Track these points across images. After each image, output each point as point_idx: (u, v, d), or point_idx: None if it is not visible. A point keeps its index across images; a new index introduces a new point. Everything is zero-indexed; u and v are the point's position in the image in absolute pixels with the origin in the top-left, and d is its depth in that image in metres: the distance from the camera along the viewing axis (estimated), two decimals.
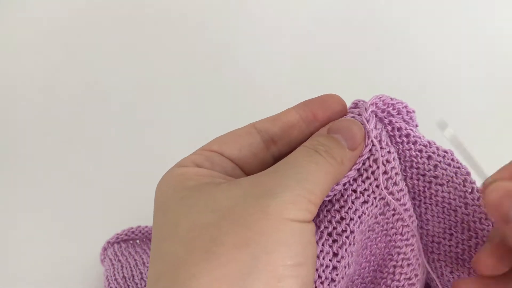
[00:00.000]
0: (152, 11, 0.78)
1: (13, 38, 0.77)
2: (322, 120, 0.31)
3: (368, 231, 0.30)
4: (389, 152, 0.30)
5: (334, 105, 0.31)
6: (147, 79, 0.71)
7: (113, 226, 0.54)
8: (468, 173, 0.32)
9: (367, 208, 0.29)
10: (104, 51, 0.75)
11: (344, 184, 0.29)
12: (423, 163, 0.31)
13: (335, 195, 0.29)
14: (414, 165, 0.32)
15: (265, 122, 0.31)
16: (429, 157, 0.31)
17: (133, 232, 0.53)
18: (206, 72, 0.71)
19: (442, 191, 0.32)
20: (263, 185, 0.26)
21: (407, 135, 0.31)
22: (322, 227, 0.28)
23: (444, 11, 0.75)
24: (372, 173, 0.29)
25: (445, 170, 0.31)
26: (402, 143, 0.31)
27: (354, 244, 0.29)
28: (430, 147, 0.31)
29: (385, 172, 0.30)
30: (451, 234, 0.33)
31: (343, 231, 0.28)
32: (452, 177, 0.31)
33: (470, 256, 0.33)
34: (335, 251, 0.27)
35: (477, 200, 0.32)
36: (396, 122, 0.31)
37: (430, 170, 0.31)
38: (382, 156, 0.29)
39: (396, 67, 0.70)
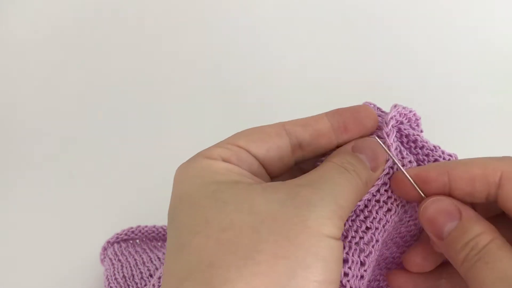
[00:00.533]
0: (153, 11, 0.78)
1: (13, 38, 0.77)
2: (352, 134, 0.30)
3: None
4: (410, 161, 0.31)
5: (366, 120, 0.31)
6: (148, 80, 0.71)
7: (113, 226, 0.54)
8: None
9: (390, 217, 0.29)
10: (105, 51, 0.75)
11: (368, 199, 0.30)
12: None
13: (358, 205, 0.29)
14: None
15: (296, 126, 0.30)
16: (435, 161, 0.32)
17: (133, 232, 0.53)
18: (206, 74, 0.71)
19: None
20: (301, 196, 0.25)
21: (415, 141, 0.32)
22: (349, 237, 0.28)
23: (444, 11, 0.75)
24: None
25: None
26: (409, 148, 0.32)
27: (378, 252, 0.29)
28: (436, 151, 0.32)
29: None
30: None
31: (369, 241, 0.28)
32: None
33: None
34: (362, 261, 0.28)
35: None
36: (405, 129, 0.32)
37: None
38: (404, 165, 0.30)
39: (396, 66, 0.70)
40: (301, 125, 0.30)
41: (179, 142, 0.64)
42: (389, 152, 0.30)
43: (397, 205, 0.30)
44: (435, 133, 0.34)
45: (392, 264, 0.34)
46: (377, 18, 0.75)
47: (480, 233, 0.26)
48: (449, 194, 0.28)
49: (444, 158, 0.32)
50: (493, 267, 0.25)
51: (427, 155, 0.32)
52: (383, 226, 0.29)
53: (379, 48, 0.72)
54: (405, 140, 0.32)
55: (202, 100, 0.69)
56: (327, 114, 0.31)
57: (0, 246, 0.57)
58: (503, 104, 0.65)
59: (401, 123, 0.32)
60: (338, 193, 0.26)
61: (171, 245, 0.26)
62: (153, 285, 0.35)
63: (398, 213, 0.30)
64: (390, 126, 0.30)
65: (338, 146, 0.30)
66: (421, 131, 0.34)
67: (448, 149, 0.32)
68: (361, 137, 0.31)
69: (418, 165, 0.32)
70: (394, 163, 0.30)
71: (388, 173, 0.30)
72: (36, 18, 0.78)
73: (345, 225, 0.29)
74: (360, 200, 0.29)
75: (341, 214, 0.26)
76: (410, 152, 0.32)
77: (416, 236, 0.33)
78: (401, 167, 0.29)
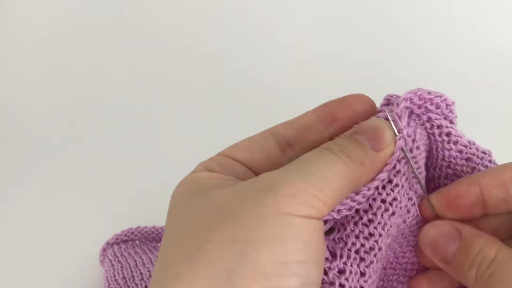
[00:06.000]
0: (154, 12, 0.78)
1: (12, 39, 0.77)
2: (341, 121, 0.29)
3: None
4: (420, 153, 0.28)
5: (355, 105, 0.29)
6: (147, 81, 0.71)
7: (112, 227, 0.53)
8: None
9: (394, 220, 0.27)
10: (105, 52, 0.75)
11: (377, 188, 0.27)
12: (462, 165, 0.30)
13: (362, 205, 0.27)
14: (452, 166, 0.30)
15: (280, 126, 0.30)
16: (468, 159, 0.30)
17: (132, 233, 0.52)
18: (206, 75, 0.71)
19: None
20: (265, 180, 0.24)
21: (448, 134, 0.30)
22: (349, 244, 0.26)
23: (445, 12, 0.75)
24: (406, 179, 0.28)
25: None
26: (442, 142, 0.30)
27: (380, 261, 0.27)
28: (470, 148, 0.30)
29: (415, 176, 0.28)
30: None
31: (371, 248, 0.26)
32: None
33: None
34: (362, 271, 0.26)
35: None
36: (436, 119, 0.29)
37: (467, 172, 0.30)
38: (414, 157, 0.28)
39: (396, 67, 0.70)
40: (286, 123, 0.30)
41: (179, 143, 0.64)
42: (408, 158, 0.27)
43: (400, 208, 0.28)
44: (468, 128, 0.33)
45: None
46: (380, 17, 0.75)
47: (483, 247, 0.26)
48: (484, 205, 0.28)
49: (477, 156, 0.30)
50: (508, 279, 0.24)
51: (460, 151, 0.30)
52: (387, 232, 0.27)
53: (381, 47, 0.72)
54: (436, 131, 0.29)
55: (202, 100, 0.69)
56: (313, 109, 0.30)
57: (0, 247, 0.57)
58: (505, 104, 0.65)
59: (430, 111, 0.29)
60: (311, 171, 0.24)
61: None
62: None
63: (401, 215, 0.28)
64: (401, 107, 0.27)
65: (331, 138, 0.29)
66: (455, 117, 0.31)
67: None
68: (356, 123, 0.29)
69: (449, 162, 0.30)
70: (407, 159, 0.27)
71: (395, 167, 0.27)
72: (36, 18, 0.78)
73: (345, 228, 0.27)
74: (363, 186, 0.26)
75: (317, 193, 0.24)
76: (443, 147, 0.30)
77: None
78: (420, 181, 0.28)
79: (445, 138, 0.30)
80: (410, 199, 0.29)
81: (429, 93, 0.29)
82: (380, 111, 0.29)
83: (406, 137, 0.27)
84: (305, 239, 0.23)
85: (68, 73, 0.73)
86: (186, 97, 0.69)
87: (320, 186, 0.24)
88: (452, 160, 0.30)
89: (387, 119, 0.28)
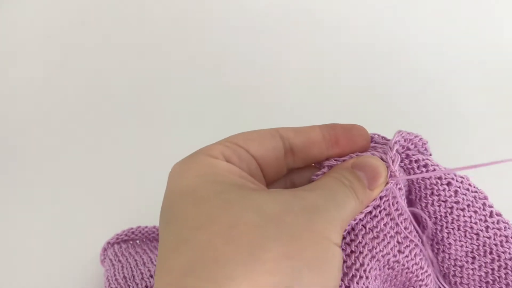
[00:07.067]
0: (154, 11, 0.78)
1: (13, 38, 0.77)
2: (342, 147, 0.31)
3: (388, 268, 0.31)
4: (403, 193, 0.31)
5: (358, 138, 0.31)
6: (148, 80, 0.71)
7: (113, 226, 0.54)
8: (485, 197, 0.33)
9: (378, 243, 0.30)
10: (105, 51, 0.75)
11: (355, 219, 0.30)
12: (444, 190, 0.32)
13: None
14: (435, 192, 0.33)
15: (289, 131, 0.30)
16: (448, 183, 0.32)
17: (133, 233, 0.53)
18: (206, 74, 0.71)
19: (464, 216, 0.33)
20: (307, 200, 0.26)
21: (425, 165, 0.32)
22: None
23: (445, 12, 0.75)
24: (387, 214, 0.31)
25: (465, 195, 0.32)
26: (421, 173, 0.32)
27: (367, 278, 0.29)
28: (448, 174, 0.32)
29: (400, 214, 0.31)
30: (474, 257, 0.34)
31: (352, 264, 0.29)
32: (472, 202, 0.33)
33: (493, 279, 0.34)
34: (347, 284, 0.28)
35: (497, 224, 0.33)
36: (413, 155, 0.32)
37: (451, 196, 0.32)
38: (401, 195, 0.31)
39: (396, 68, 0.70)
40: (294, 130, 0.30)
41: (179, 142, 0.64)
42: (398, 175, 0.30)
43: (385, 235, 0.30)
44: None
45: None
46: (377, 21, 0.75)
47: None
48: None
49: (457, 180, 0.32)
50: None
51: (439, 178, 0.32)
52: (369, 251, 0.29)
53: (379, 50, 0.72)
54: (415, 165, 0.32)
55: (201, 100, 0.69)
56: (319, 126, 0.31)
57: (0, 247, 0.57)
58: (503, 105, 0.65)
59: (408, 149, 0.32)
60: (341, 204, 0.27)
61: (168, 241, 0.25)
62: None
63: (389, 243, 0.30)
64: (394, 151, 0.30)
65: (327, 159, 0.31)
66: (430, 155, 0.34)
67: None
68: (356, 155, 0.31)
69: (432, 189, 0.32)
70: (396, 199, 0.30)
71: (375, 199, 0.30)
72: (35, 18, 0.78)
73: None
74: (353, 220, 0.29)
75: (342, 224, 0.26)
76: (423, 178, 0.32)
77: (426, 267, 0.33)
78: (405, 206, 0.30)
79: (423, 169, 0.32)
80: (398, 232, 0.31)
81: (408, 133, 0.32)
82: (373, 147, 0.32)
83: (398, 181, 0.30)
84: (340, 267, 0.26)
85: (68, 72, 0.73)
86: (186, 98, 0.69)
87: (344, 219, 0.27)
88: (434, 186, 0.32)
89: (381, 158, 0.31)
